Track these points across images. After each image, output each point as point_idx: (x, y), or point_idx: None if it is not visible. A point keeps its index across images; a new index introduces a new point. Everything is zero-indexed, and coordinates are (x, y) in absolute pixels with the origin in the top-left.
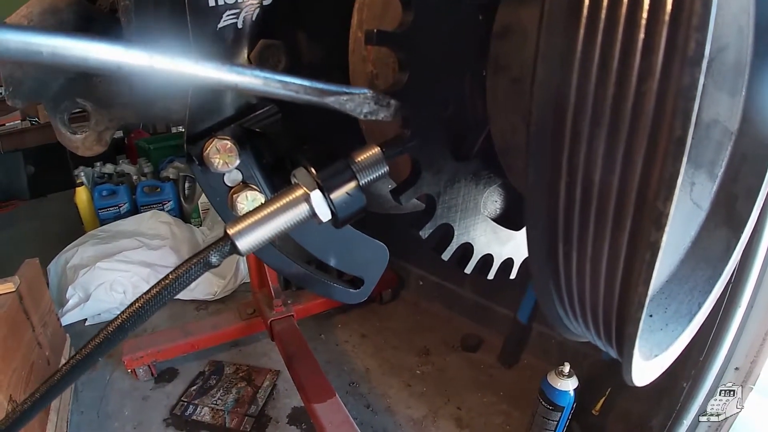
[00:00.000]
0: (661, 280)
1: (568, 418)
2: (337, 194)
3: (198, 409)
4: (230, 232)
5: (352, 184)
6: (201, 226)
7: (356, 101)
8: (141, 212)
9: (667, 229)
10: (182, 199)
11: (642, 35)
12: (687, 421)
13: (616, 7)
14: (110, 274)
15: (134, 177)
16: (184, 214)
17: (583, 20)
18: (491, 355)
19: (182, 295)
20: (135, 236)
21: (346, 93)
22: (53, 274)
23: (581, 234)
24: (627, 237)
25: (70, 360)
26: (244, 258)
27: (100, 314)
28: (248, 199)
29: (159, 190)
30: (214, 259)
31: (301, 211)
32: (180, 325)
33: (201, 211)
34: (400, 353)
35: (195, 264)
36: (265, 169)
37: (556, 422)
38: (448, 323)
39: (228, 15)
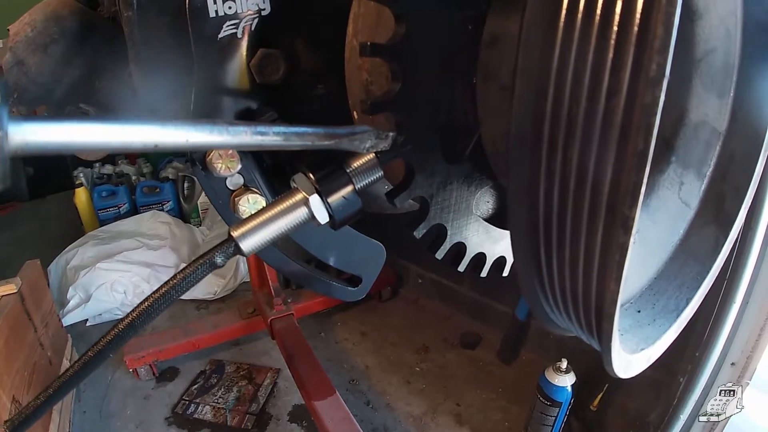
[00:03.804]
0: (649, 277)
1: (566, 414)
2: (334, 198)
3: (200, 407)
4: (234, 234)
5: (348, 189)
6: (200, 225)
7: (360, 138)
8: (140, 212)
9: (633, 231)
10: (181, 199)
11: (611, 55)
12: (684, 416)
13: (588, 27)
14: (111, 274)
15: (133, 177)
16: (183, 214)
17: (558, 39)
18: (490, 352)
19: (182, 295)
20: (135, 237)
21: (352, 134)
22: (54, 275)
23: (560, 236)
24: (600, 239)
25: (83, 356)
26: (244, 258)
27: (101, 314)
28: (250, 202)
29: (158, 190)
30: (219, 260)
31: (300, 214)
32: (181, 324)
33: (200, 211)
34: (400, 350)
35: (201, 264)
36: (266, 173)
37: (554, 418)
38: (447, 320)
39: (228, 25)
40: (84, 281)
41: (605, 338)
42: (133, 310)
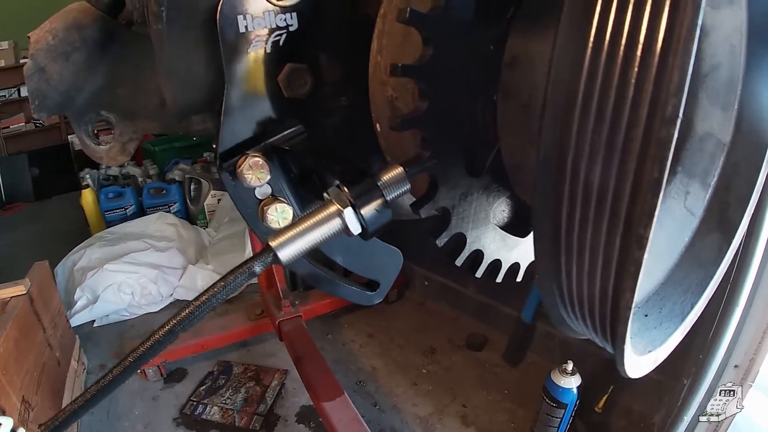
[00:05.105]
0: (656, 282)
1: (571, 415)
2: (367, 210)
3: (207, 408)
4: (272, 244)
5: (379, 201)
6: (207, 227)
7: None
8: (147, 214)
9: (647, 248)
10: (188, 200)
11: (632, 93)
12: (687, 418)
13: (611, 66)
14: (118, 275)
15: (140, 179)
16: (190, 216)
17: (584, 76)
18: (496, 354)
19: (190, 297)
20: (142, 238)
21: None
22: (61, 276)
23: (580, 252)
24: (617, 255)
25: (122, 360)
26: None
27: (108, 315)
28: (278, 211)
29: (165, 192)
30: (257, 269)
31: (334, 225)
32: None
33: (207, 213)
34: (406, 352)
35: (241, 273)
36: (293, 183)
37: (559, 419)
38: (453, 323)
39: (257, 40)
40: (91, 282)
41: (619, 341)
42: (174, 316)
